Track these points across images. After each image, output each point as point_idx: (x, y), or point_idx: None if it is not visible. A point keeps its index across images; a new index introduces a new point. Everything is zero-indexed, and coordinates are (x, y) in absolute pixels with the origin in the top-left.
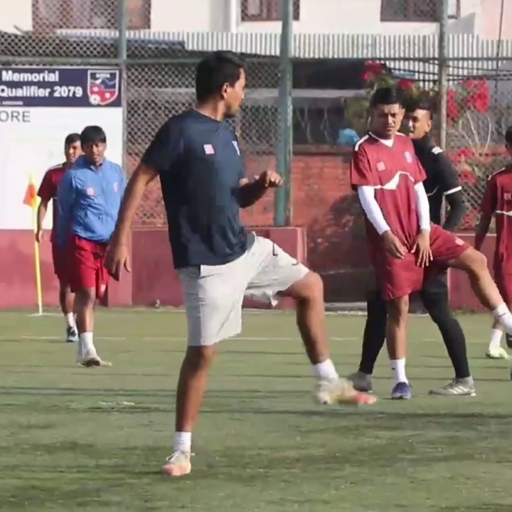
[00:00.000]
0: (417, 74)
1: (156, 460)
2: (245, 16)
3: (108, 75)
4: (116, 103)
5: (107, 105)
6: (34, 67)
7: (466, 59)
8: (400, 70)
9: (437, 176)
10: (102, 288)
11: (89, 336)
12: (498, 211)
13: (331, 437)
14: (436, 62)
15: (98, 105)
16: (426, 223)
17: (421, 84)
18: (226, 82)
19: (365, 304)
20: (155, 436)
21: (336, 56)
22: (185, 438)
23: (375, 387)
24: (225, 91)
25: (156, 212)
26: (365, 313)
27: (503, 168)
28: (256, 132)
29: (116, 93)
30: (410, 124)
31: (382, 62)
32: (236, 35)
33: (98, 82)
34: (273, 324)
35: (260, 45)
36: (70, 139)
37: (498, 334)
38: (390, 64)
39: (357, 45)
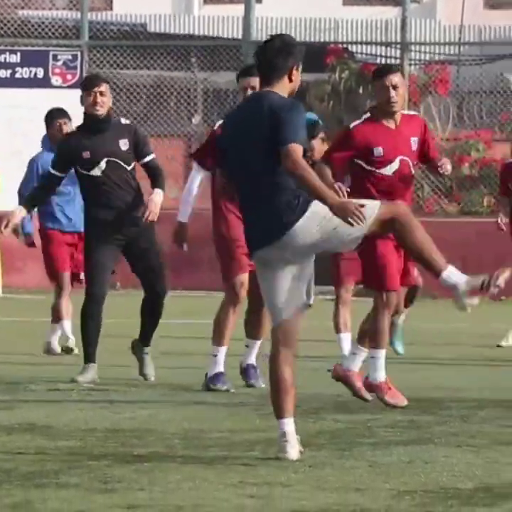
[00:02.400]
0: (379, 58)
1: (114, 442)
2: None
3: (70, 57)
4: (77, 84)
5: (68, 86)
6: None
7: (428, 43)
8: (362, 53)
9: (137, 146)
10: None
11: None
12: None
13: None
14: (398, 46)
15: (60, 86)
16: None
17: None
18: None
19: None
20: (114, 418)
21: (298, 39)
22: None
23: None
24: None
25: None
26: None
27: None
28: (218, 115)
29: (78, 74)
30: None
31: (345, 46)
32: (198, 17)
33: (60, 63)
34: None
35: (222, 28)
36: None
37: None
38: (352, 48)
39: (319, 29)
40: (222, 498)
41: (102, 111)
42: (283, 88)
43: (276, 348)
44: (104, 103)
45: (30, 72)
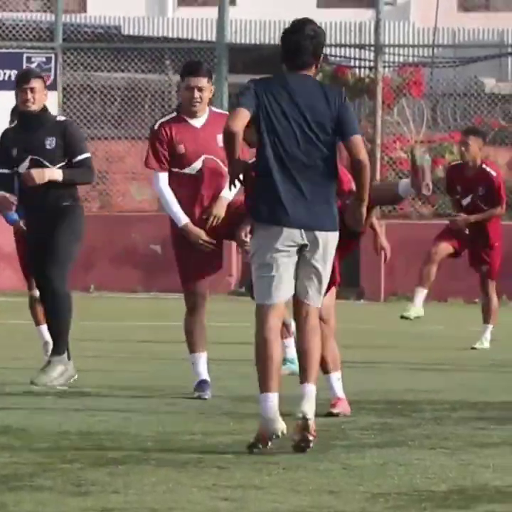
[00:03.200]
0: (352, 60)
1: (88, 445)
2: (182, 1)
3: (44, 59)
4: (51, 87)
5: None
6: None
7: (401, 46)
8: (336, 56)
9: (69, 144)
10: None
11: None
12: None
13: None
14: (372, 48)
15: None
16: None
17: (357, 70)
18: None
19: None
20: (88, 420)
21: (272, 42)
22: None
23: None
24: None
25: (91, 197)
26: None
27: None
28: None
29: (52, 77)
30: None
31: None
32: (172, 19)
33: (34, 65)
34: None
35: (196, 30)
36: None
37: (489, 328)
38: (326, 50)
39: None
40: (196, 500)
41: (33, 107)
42: (313, 75)
43: (265, 327)
44: (36, 100)
45: (4, 74)
